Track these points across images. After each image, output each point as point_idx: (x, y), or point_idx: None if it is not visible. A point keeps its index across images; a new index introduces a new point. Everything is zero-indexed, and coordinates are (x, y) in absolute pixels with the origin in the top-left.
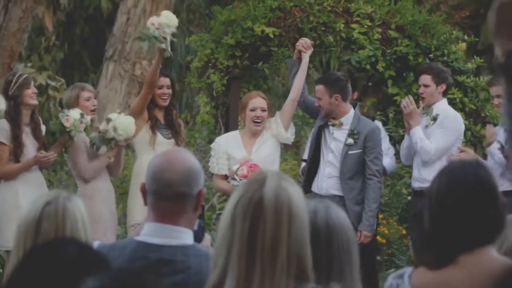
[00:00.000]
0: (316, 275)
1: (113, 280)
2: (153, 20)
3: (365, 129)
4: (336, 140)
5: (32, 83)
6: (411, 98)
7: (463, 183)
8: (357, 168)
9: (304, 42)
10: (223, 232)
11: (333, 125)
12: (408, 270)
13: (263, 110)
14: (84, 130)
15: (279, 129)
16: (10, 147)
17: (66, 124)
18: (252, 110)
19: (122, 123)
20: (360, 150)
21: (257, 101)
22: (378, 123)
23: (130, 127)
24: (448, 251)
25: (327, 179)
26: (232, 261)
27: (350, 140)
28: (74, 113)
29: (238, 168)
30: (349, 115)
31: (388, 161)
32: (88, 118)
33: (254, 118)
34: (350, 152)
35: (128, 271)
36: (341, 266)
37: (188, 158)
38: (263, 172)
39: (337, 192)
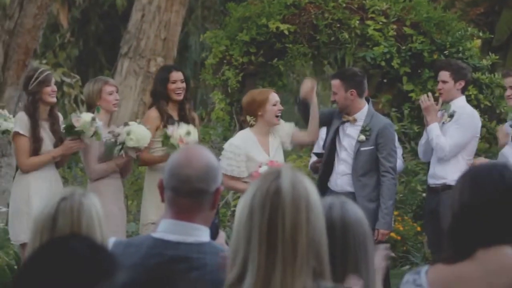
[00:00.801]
0: (331, 270)
1: (144, 275)
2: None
3: (377, 126)
4: (349, 137)
5: (53, 80)
6: (430, 94)
7: (488, 182)
8: (370, 165)
9: (307, 86)
10: (241, 225)
11: (347, 121)
12: (425, 267)
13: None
14: (94, 134)
15: (286, 139)
16: (29, 139)
17: (76, 124)
18: (274, 104)
19: (138, 132)
20: (373, 147)
21: (276, 96)
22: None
23: (144, 140)
24: (465, 246)
25: (341, 176)
26: (252, 253)
27: (362, 137)
28: (86, 116)
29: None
30: (363, 111)
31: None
32: (100, 123)
33: (277, 113)
34: (362, 148)
35: (160, 267)
36: (356, 261)
37: (207, 155)
38: (277, 167)
39: (351, 188)
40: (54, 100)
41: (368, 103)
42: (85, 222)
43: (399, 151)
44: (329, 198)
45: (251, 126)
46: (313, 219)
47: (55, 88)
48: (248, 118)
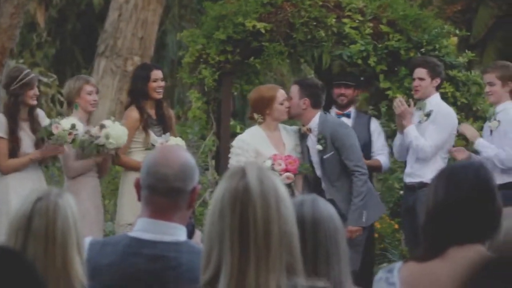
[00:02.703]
0: (303, 263)
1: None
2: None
3: (328, 132)
4: (312, 148)
5: (36, 84)
6: (402, 99)
7: (463, 180)
8: (339, 169)
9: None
10: (212, 226)
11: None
12: (398, 264)
13: (288, 100)
14: (72, 141)
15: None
16: (8, 140)
17: (54, 131)
18: (282, 103)
19: (116, 132)
20: (332, 152)
21: (283, 93)
22: (374, 120)
23: (122, 138)
24: (437, 244)
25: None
26: (226, 252)
27: (319, 146)
28: (66, 123)
29: (273, 164)
30: (315, 119)
31: (383, 159)
32: (81, 131)
33: (286, 111)
34: (324, 157)
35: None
36: (327, 256)
37: (184, 154)
38: (239, 165)
39: (329, 196)
40: (35, 103)
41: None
42: (60, 222)
43: (386, 149)
44: (300, 196)
45: (259, 123)
46: (283, 212)
47: (37, 92)
48: (255, 116)
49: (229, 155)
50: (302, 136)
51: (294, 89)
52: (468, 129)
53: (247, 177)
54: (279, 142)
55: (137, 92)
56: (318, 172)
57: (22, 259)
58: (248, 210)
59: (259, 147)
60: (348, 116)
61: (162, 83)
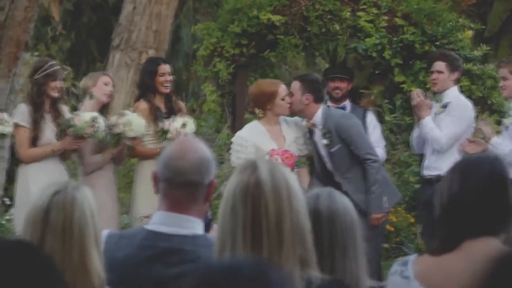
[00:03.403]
0: (319, 258)
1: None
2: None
3: (332, 125)
4: (319, 143)
5: (60, 76)
6: (419, 91)
7: (478, 173)
8: (349, 160)
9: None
10: (225, 221)
11: (310, 128)
12: (412, 257)
13: (289, 96)
14: (94, 134)
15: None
16: (30, 130)
17: (76, 122)
18: (283, 99)
19: (136, 122)
20: (340, 145)
21: (285, 89)
22: (370, 113)
23: (141, 128)
24: (452, 237)
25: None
26: (238, 246)
27: (325, 141)
28: (86, 116)
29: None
30: (318, 114)
31: (380, 151)
32: (102, 124)
33: (287, 107)
34: (331, 150)
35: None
36: (344, 249)
37: (201, 147)
38: (251, 160)
39: (344, 188)
40: (57, 95)
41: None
42: (77, 216)
43: (382, 142)
44: (316, 189)
45: (259, 118)
46: (295, 205)
47: (59, 84)
48: (256, 110)
49: (229, 151)
50: (310, 132)
51: (296, 85)
52: (486, 127)
53: (259, 171)
54: (279, 136)
55: (145, 86)
56: (329, 166)
57: (40, 253)
58: (260, 203)
59: (258, 142)
60: (343, 109)
61: (170, 77)
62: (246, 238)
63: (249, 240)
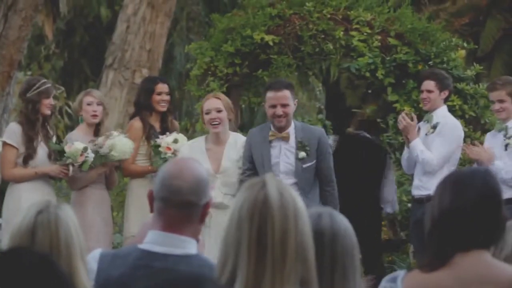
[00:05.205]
0: (319, 277)
1: None
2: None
3: (315, 137)
4: (284, 156)
5: (52, 94)
6: (404, 115)
7: (470, 187)
8: (313, 179)
9: None
10: (229, 235)
11: (276, 138)
12: (401, 273)
13: (219, 111)
14: (83, 163)
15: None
16: (18, 150)
17: (66, 149)
18: (207, 113)
19: (121, 144)
20: (314, 161)
21: (211, 103)
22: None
23: (127, 151)
24: (442, 252)
25: None
26: (242, 261)
27: (303, 153)
28: (79, 145)
29: None
30: (292, 125)
31: None
32: (91, 155)
33: (210, 121)
34: (304, 166)
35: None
36: (344, 270)
37: (198, 168)
38: (260, 177)
39: None
40: (49, 113)
41: None
42: (63, 234)
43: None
44: (315, 208)
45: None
46: (301, 225)
47: (52, 101)
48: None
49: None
50: (262, 145)
51: (288, 94)
52: (482, 154)
53: (267, 188)
54: (218, 157)
55: (141, 104)
56: (290, 181)
57: (60, 268)
58: (267, 221)
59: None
60: None
61: (167, 97)
62: (250, 254)
63: (253, 256)
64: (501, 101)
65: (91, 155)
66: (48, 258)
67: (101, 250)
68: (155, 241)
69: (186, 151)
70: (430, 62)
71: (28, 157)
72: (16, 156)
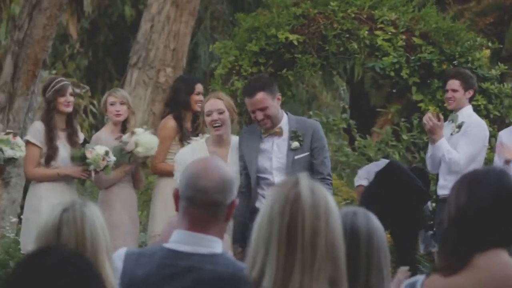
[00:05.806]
0: (355, 274)
1: None
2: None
3: (309, 128)
4: (276, 150)
5: (69, 91)
6: (430, 115)
7: (485, 185)
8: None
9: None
10: (261, 230)
11: (270, 135)
12: (420, 277)
13: (220, 112)
14: (105, 168)
15: None
16: (42, 149)
17: (88, 155)
18: (208, 114)
19: (146, 140)
20: (308, 153)
21: (212, 104)
22: None
23: (152, 148)
24: (461, 254)
25: None
26: (271, 256)
27: (296, 144)
28: (100, 149)
29: None
30: (285, 118)
31: None
32: (112, 159)
33: (212, 123)
34: (296, 157)
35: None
36: (379, 267)
37: (224, 167)
38: (293, 175)
39: None
40: (69, 110)
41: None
42: (88, 231)
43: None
44: (351, 207)
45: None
46: (332, 224)
47: (70, 98)
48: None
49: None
50: (252, 143)
51: (263, 96)
52: None
53: (300, 186)
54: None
55: (179, 103)
56: (280, 177)
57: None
58: (298, 218)
59: None
60: None
61: (202, 97)
62: (280, 251)
63: (282, 254)
64: None
65: (112, 159)
66: (84, 258)
67: (126, 249)
68: (181, 240)
69: (187, 153)
70: (455, 62)
71: (49, 157)
72: (39, 155)
